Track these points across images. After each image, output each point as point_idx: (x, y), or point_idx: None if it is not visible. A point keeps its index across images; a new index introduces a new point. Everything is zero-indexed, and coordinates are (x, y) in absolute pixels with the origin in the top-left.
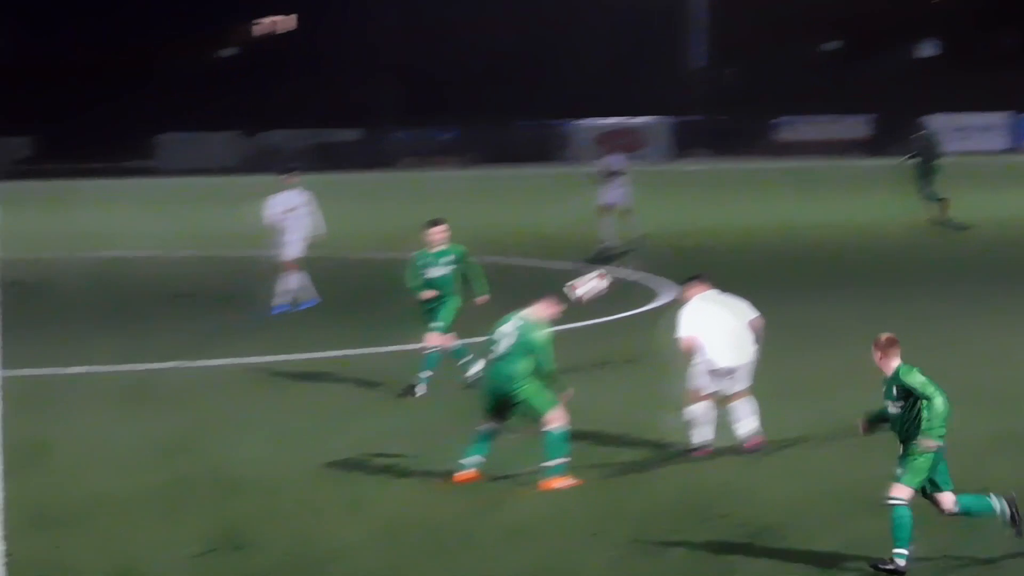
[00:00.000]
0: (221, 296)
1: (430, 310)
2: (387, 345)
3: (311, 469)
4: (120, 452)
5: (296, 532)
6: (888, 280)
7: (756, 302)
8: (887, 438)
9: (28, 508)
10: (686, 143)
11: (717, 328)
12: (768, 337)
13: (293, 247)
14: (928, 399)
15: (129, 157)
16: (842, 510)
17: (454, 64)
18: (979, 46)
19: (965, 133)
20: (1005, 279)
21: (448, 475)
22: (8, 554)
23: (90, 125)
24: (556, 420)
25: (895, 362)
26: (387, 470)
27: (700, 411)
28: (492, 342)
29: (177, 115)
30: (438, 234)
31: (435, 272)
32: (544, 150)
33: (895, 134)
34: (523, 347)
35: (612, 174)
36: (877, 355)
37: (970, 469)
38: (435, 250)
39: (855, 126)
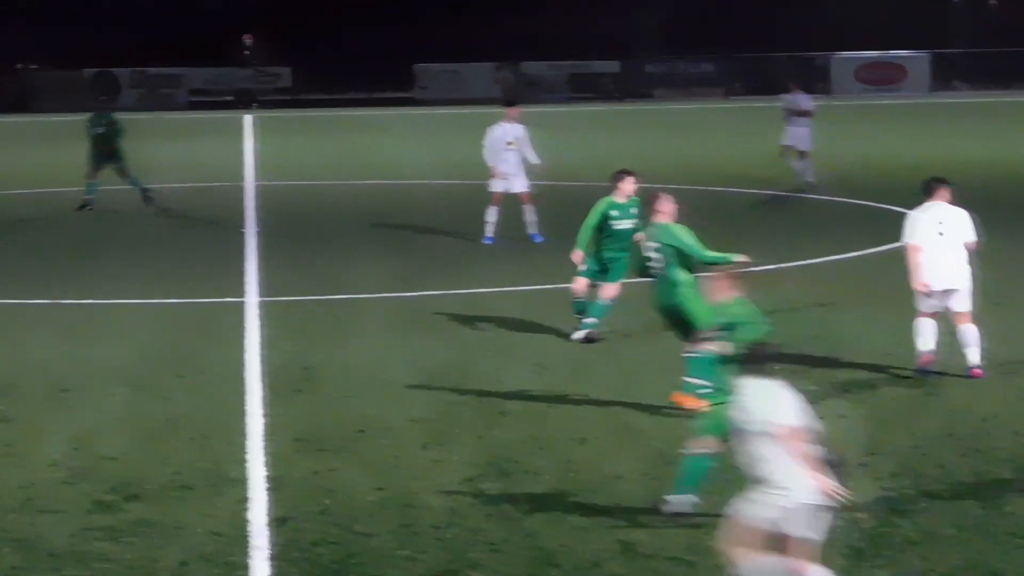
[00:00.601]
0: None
1: (614, 259)
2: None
3: (576, 398)
4: (385, 378)
5: (563, 460)
6: None
7: None
8: None
9: (295, 432)
10: (946, 76)
11: (933, 245)
12: None
13: (516, 180)
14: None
15: (388, 88)
16: None
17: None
18: None
19: None
20: None
21: None
22: (273, 479)
23: (348, 57)
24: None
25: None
26: (651, 402)
27: (922, 326)
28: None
29: (436, 46)
30: (630, 184)
31: (624, 224)
32: (804, 83)
33: None
34: (670, 252)
35: (798, 114)
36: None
37: None
38: (625, 200)
39: None
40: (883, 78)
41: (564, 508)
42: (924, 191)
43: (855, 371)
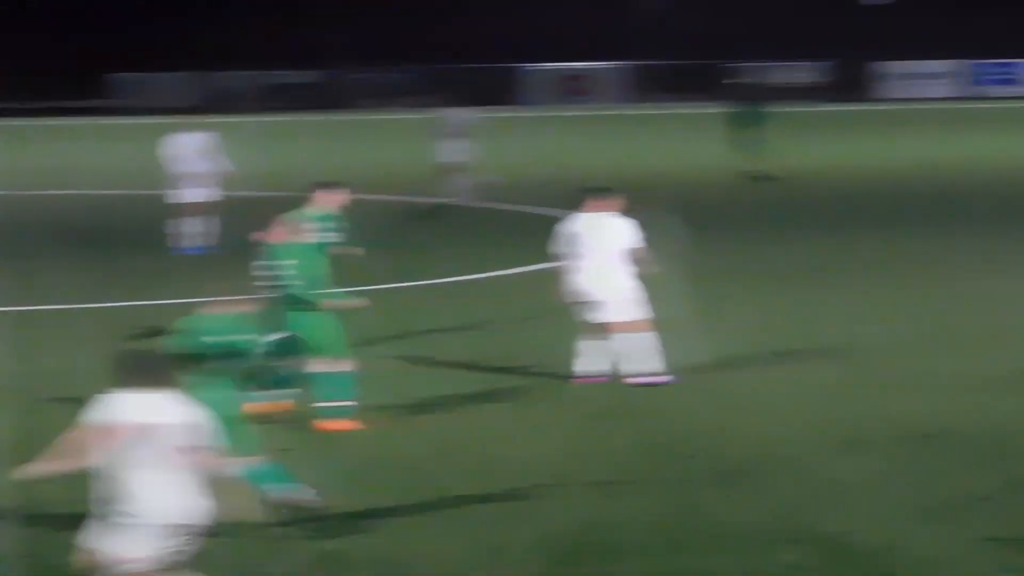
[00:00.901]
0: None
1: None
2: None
3: None
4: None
5: None
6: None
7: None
8: (875, 373)
9: None
10: (643, 87)
11: (585, 256)
12: (755, 281)
13: (199, 190)
14: None
15: (79, 97)
16: (814, 449)
17: (411, 5)
18: None
19: (917, 80)
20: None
21: None
22: None
23: (42, 66)
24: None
25: None
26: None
27: (586, 346)
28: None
29: (129, 55)
30: (329, 197)
31: (329, 237)
32: (499, 93)
33: (847, 80)
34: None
35: (454, 129)
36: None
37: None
38: (322, 213)
39: (808, 72)
40: (577, 89)
41: None
42: (580, 201)
43: (542, 381)
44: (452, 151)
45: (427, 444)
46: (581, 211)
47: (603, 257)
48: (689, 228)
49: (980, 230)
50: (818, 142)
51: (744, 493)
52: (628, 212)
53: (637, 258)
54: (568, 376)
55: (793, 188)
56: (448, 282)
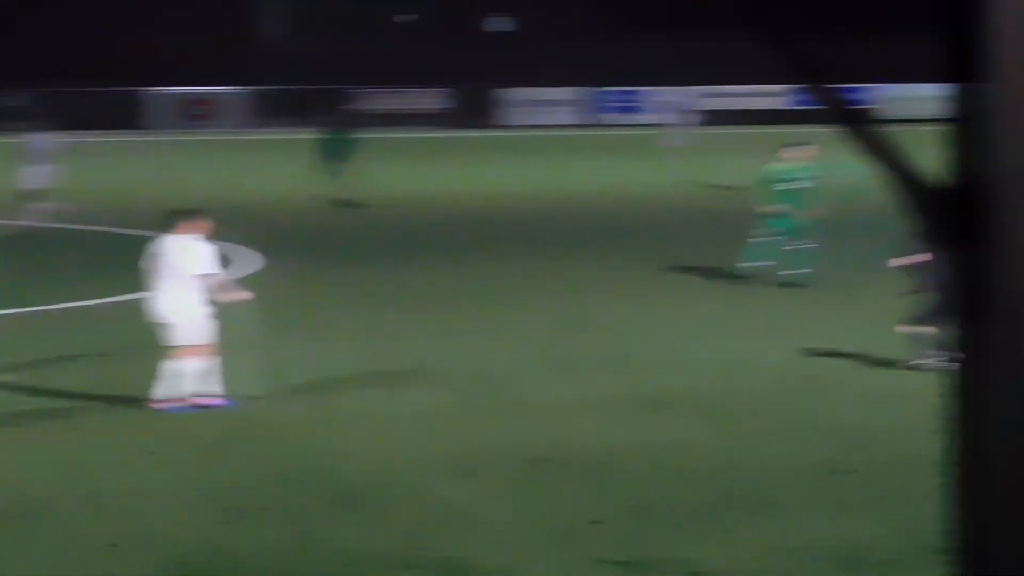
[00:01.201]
0: None
1: None
2: None
3: None
4: None
5: None
6: (457, 247)
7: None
8: (491, 398)
9: None
10: (265, 112)
11: (161, 278)
12: (365, 306)
13: None
14: None
15: None
16: (431, 473)
17: (28, 27)
18: (551, 21)
19: (537, 107)
20: (573, 247)
21: None
22: None
23: None
24: None
25: None
26: None
27: (165, 364)
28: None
29: None
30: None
31: None
32: (122, 116)
33: (471, 107)
34: None
35: (36, 154)
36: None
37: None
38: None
39: (432, 98)
40: (199, 113)
41: None
42: (169, 225)
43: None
44: (34, 176)
45: (38, 470)
46: (169, 234)
47: (180, 281)
48: (286, 253)
49: (596, 254)
50: (440, 168)
51: (363, 519)
52: (215, 236)
53: (213, 283)
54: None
55: (404, 214)
56: (38, 311)
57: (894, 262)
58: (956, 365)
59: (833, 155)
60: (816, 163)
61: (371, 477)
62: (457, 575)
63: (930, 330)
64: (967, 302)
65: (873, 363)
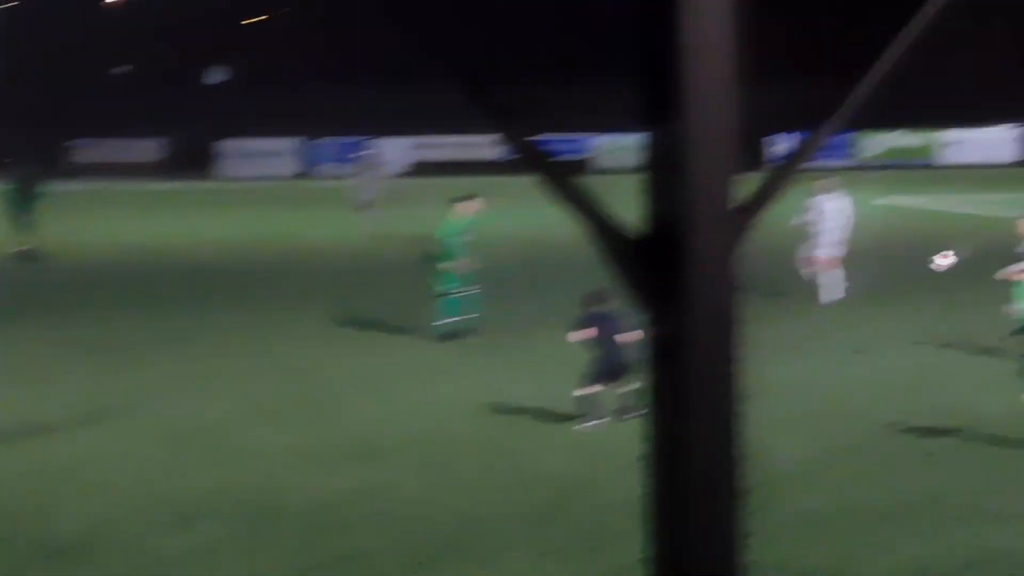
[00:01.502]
0: None
1: None
2: None
3: None
4: None
5: None
6: (173, 296)
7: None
8: (204, 447)
9: None
10: None
11: None
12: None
13: None
14: None
15: None
16: (145, 525)
17: None
18: (271, 73)
19: (256, 157)
20: (277, 297)
21: None
22: None
23: None
24: None
25: None
26: None
27: None
28: None
29: None
30: None
31: None
32: None
33: (187, 158)
34: None
35: None
36: None
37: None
38: None
39: (147, 149)
40: None
41: None
42: None
43: None
44: None
45: None
46: None
47: None
48: None
49: (299, 303)
50: (152, 219)
51: (76, 570)
52: None
53: None
54: None
55: (110, 264)
56: None
57: (573, 336)
58: (644, 416)
59: (513, 203)
60: (481, 215)
61: (84, 530)
62: None
63: (606, 388)
64: (661, 345)
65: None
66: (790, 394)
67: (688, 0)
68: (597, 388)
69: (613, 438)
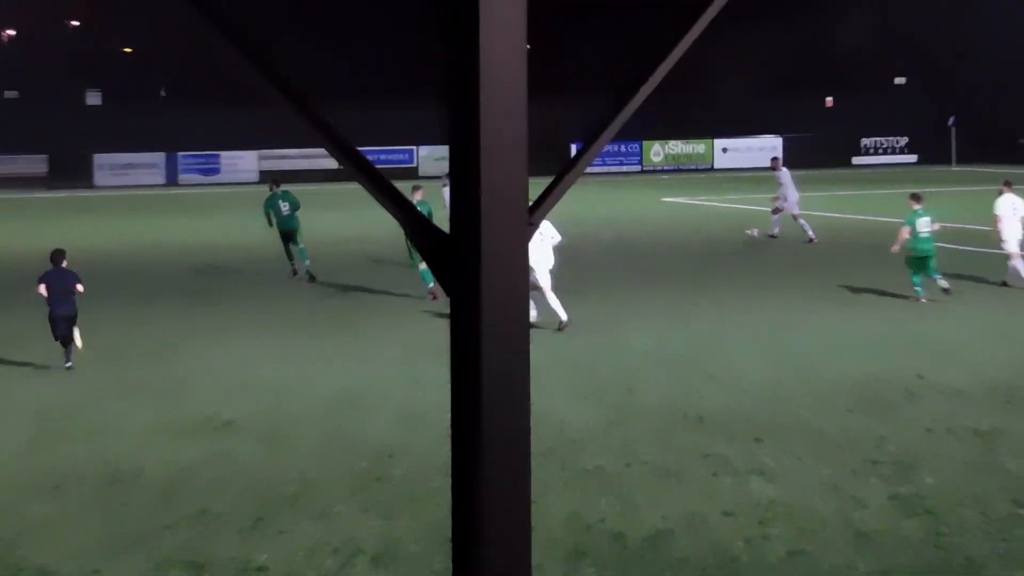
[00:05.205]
0: None
1: None
2: None
3: None
4: None
5: None
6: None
7: None
8: (68, 423)
9: None
10: None
11: None
12: None
13: None
14: None
15: None
16: (17, 493)
17: None
18: (135, 94)
19: (127, 170)
20: (140, 290)
21: None
22: None
23: None
24: None
25: None
26: None
27: None
28: None
29: None
30: None
31: None
32: None
33: (67, 171)
34: None
35: None
36: None
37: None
38: None
39: (34, 164)
40: None
41: None
42: None
43: None
44: None
45: None
46: None
47: None
48: None
49: (160, 295)
50: (37, 224)
51: None
52: None
53: None
54: None
55: None
56: None
57: None
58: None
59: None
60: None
61: None
62: None
63: None
64: (461, 340)
65: (407, 385)
66: (581, 369)
67: (485, 34)
68: None
69: (430, 412)
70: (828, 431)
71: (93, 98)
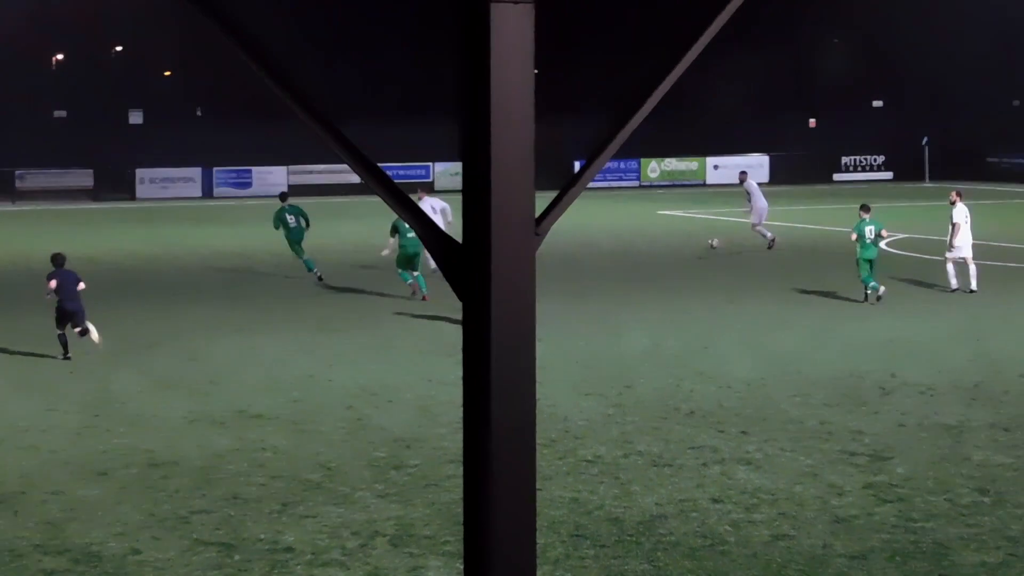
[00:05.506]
0: None
1: None
2: None
3: None
4: None
5: None
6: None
7: None
8: (115, 416)
9: None
10: None
11: None
12: None
13: None
14: None
15: None
16: (69, 478)
17: None
18: (174, 113)
19: (166, 183)
20: (185, 295)
21: None
22: None
23: None
24: None
25: None
26: None
27: None
28: None
29: None
30: None
31: None
32: None
33: (111, 184)
34: None
35: None
36: None
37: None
38: None
39: (81, 177)
40: None
41: None
42: None
43: None
44: None
45: None
46: None
47: None
48: None
49: (195, 298)
50: (84, 234)
51: (13, 515)
52: None
53: None
54: None
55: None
56: None
57: None
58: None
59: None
60: None
61: (20, 482)
62: (89, 559)
63: None
64: (472, 340)
65: (422, 381)
66: (582, 366)
67: (496, 59)
68: None
69: (443, 406)
70: (809, 424)
71: (135, 117)
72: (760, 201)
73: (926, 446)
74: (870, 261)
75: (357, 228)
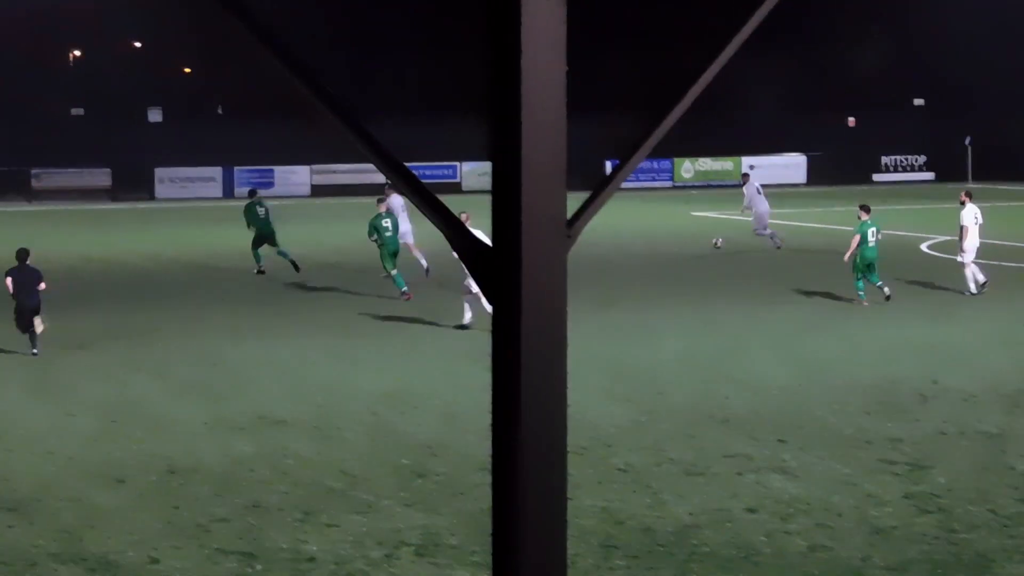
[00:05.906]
0: None
1: None
2: None
3: None
4: None
5: None
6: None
7: None
8: (132, 421)
9: None
10: None
11: None
12: None
13: None
14: None
15: None
16: (86, 484)
17: None
18: (194, 111)
19: (186, 183)
20: (204, 297)
21: None
22: None
23: None
24: None
25: None
26: None
27: None
28: None
29: None
30: None
31: None
32: None
33: (130, 184)
34: None
35: None
36: None
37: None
38: None
39: (99, 176)
40: None
41: None
42: None
43: None
44: None
45: None
46: None
47: None
48: None
49: (215, 301)
50: (102, 233)
51: (29, 522)
52: None
53: None
54: None
55: (73, 269)
56: None
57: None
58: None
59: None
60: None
61: (36, 488)
62: (106, 568)
63: None
64: (502, 345)
65: (448, 387)
66: (614, 371)
67: (526, 56)
68: None
69: (469, 412)
70: (846, 432)
71: (154, 115)
72: (761, 206)
73: (967, 455)
74: (869, 263)
75: None
